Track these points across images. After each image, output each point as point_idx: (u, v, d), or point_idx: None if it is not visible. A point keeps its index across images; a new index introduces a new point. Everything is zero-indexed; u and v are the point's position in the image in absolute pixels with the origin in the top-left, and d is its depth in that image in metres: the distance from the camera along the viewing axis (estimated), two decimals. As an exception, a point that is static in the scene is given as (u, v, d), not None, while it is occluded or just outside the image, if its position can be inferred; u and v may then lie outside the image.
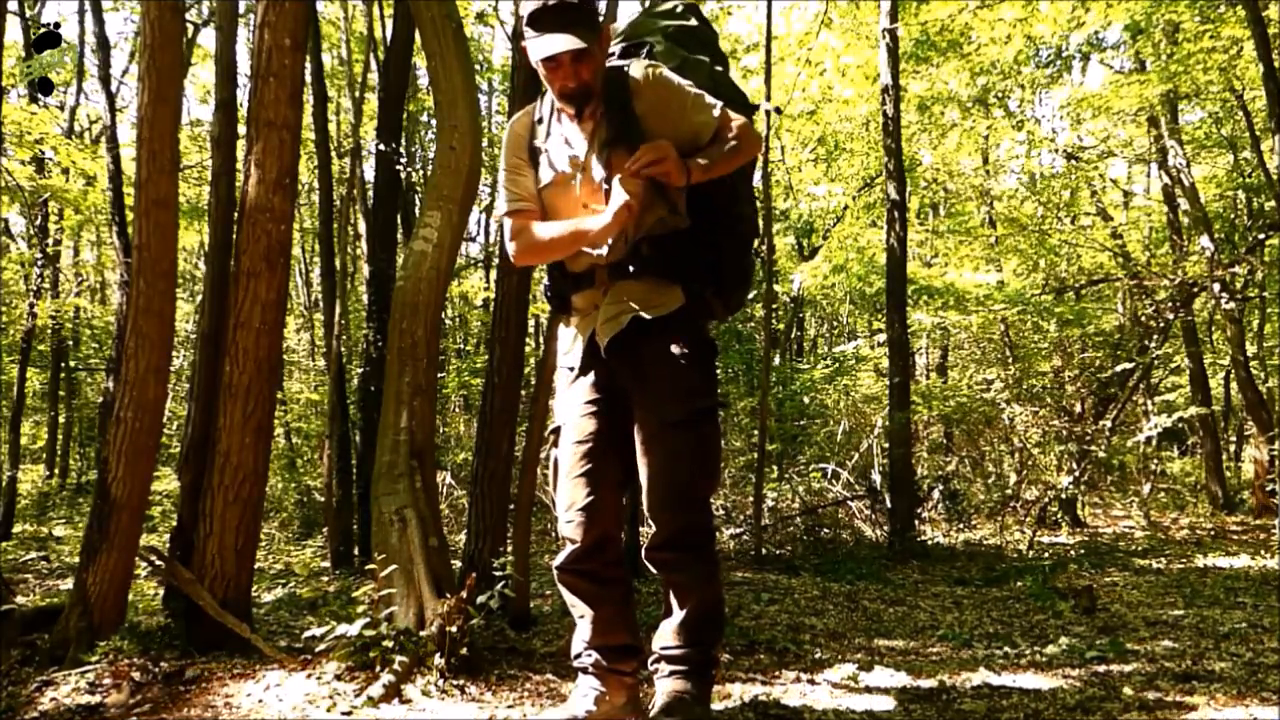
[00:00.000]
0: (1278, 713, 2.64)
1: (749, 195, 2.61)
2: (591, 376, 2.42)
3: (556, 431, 2.48)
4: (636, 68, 2.34)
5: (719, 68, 2.56)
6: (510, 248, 2.45)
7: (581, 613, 2.44)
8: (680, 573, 2.35)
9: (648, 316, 2.32)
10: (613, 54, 2.49)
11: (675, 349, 2.33)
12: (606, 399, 2.40)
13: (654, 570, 2.39)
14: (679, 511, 2.31)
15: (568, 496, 2.40)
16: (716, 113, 2.33)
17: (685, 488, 2.30)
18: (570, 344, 2.48)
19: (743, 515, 8.26)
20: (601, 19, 2.32)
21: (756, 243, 2.74)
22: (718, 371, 2.57)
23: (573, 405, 2.44)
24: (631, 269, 2.34)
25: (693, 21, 2.54)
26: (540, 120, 2.45)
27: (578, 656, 2.45)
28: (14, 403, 9.96)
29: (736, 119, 2.36)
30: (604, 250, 2.35)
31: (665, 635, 2.36)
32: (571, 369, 2.46)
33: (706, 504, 2.39)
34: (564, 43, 2.19)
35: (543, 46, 2.22)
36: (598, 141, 2.35)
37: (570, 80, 2.26)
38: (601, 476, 2.38)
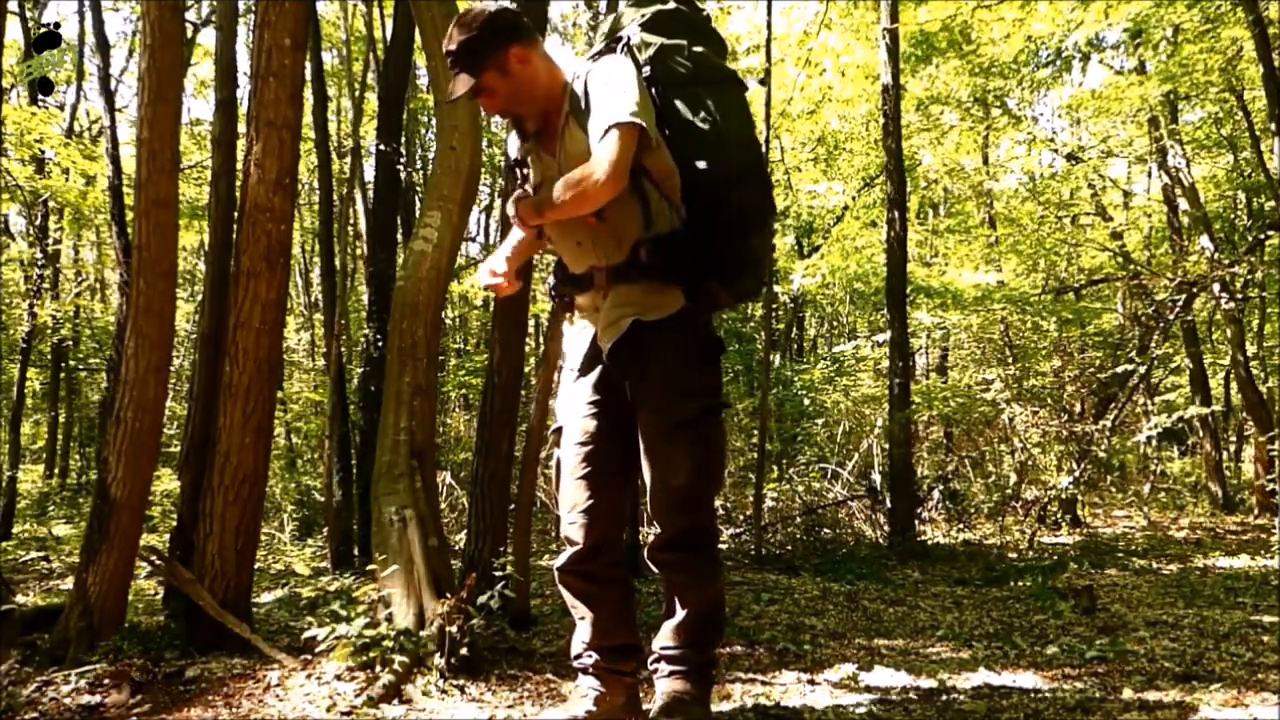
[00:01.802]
0: (1278, 713, 2.64)
1: (741, 177, 2.37)
2: (593, 377, 2.42)
3: (558, 432, 2.47)
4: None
5: (699, 48, 2.40)
6: None
7: (581, 613, 2.44)
8: (681, 573, 2.35)
9: (648, 320, 2.31)
10: (598, 53, 2.38)
11: (677, 350, 2.32)
12: (608, 399, 2.40)
13: (656, 570, 2.39)
14: (681, 513, 2.31)
15: (570, 498, 2.41)
16: (596, 133, 2.18)
17: (688, 489, 2.29)
18: (573, 343, 2.48)
19: (743, 515, 8.25)
20: (513, 37, 2.28)
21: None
22: (721, 369, 2.54)
23: (574, 405, 2.44)
24: (631, 272, 2.32)
25: (671, 4, 2.44)
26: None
27: (578, 657, 2.45)
28: (14, 403, 9.96)
29: (604, 154, 2.14)
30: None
31: (665, 635, 2.36)
32: (574, 369, 2.46)
33: (710, 505, 2.39)
34: (457, 85, 2.30)
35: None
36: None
37: (488, 111, 2.39)
38: (603, 478, 2.38)
